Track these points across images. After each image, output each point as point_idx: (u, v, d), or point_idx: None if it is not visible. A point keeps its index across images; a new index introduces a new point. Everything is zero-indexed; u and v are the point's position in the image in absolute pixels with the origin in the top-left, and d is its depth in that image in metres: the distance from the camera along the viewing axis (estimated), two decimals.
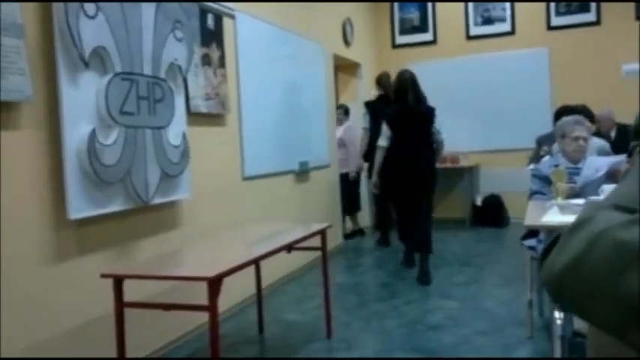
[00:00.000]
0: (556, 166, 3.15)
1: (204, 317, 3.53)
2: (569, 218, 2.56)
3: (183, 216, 3.52)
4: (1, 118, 2.36)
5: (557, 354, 2.34)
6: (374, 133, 5.33)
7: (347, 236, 6.44)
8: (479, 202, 7.07)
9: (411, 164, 4.55)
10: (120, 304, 2.33)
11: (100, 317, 2.81)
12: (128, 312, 2.56)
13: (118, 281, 2.33)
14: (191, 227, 3.58)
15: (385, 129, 4.63)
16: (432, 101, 5.31)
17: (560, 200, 2.92)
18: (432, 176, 4.62)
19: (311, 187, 5.46)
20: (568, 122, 3.22)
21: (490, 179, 7.32)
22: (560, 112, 4.25)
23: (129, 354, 2.68)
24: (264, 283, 4.13)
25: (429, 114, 4.56)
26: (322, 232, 3.29)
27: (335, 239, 5.91)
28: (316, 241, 3.37)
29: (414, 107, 4.53)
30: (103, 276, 2.32)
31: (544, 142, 4.54)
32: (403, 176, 4.58)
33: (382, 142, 4.67)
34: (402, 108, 4.56)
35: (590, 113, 4.46)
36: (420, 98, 4.58)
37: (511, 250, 5.52)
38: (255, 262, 2.63)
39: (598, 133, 4.88)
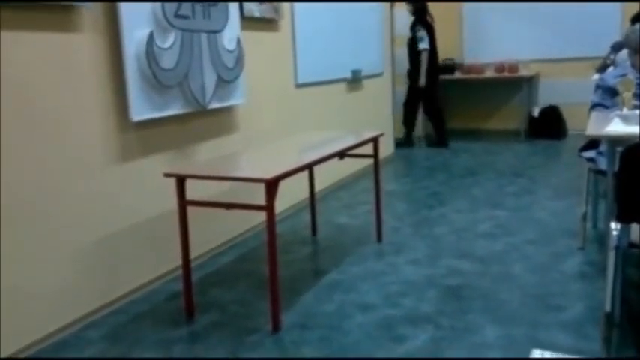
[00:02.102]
0: (623, 76, 2.95)
1: (260, 217, 3.67)
2: (634, 129, 2.43)
3: (239, 122, 3.57)
4: (63, 20, 2.38)
5: (611, 264, 2.32)
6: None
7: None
8: (536, 113, 6.81)
9: (437, 61, 6.41)
10: (183, 202, 2.43)
11: (162, 215, 2.96)
12: (191, 211, 2.67)
13: (181, 180, 2.42)
14: (247, 133, 3.63)
15: (423, 34, 6.19)
16: (491, 6, 6.02)
17: (625, 110, 2.76)
18: None
19: (364, 96, 5.39)
20: None
21: (550, 90, 6.99)
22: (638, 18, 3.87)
23: (192, 249, 2.83)
24: (317, 188, 4.21)
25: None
26: (374, 140, 3.28)
27: (386, 148, 5.90)
28: (368, 149, 3.37)
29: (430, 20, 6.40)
30: (167, 175, 2.41)
31: (620, 49, 4.19)
32: (437, 70, 6.37)
33: (424, 45, 6.19)
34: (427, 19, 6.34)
35: None
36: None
37: (567, 163, 5.36)
38: (309, 167, 2.66)
39: None
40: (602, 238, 3.27)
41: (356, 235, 3.61)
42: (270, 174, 2.24)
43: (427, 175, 5.19)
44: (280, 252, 3.31)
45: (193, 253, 3.13)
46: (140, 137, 2.81)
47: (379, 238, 3.46)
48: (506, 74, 6.88)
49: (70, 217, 2.47)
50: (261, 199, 2.32)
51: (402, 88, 6.69)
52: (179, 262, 2.94)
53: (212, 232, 3.36)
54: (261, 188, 2.29)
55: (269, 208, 2.22)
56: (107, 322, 2.54)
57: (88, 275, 2.56)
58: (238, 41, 3.32)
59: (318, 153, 2.74)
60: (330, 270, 3.04)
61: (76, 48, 2.46)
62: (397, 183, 4.97)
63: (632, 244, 2.20)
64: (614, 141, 2.40)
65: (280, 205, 3.92)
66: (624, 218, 2.08)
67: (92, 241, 2.57)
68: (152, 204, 2.90)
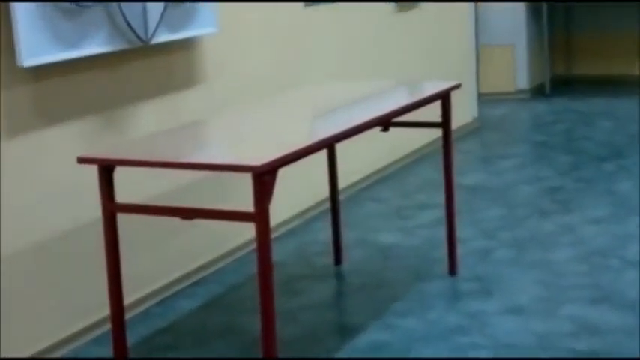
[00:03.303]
0: None
1: (246, 233, 3.67)
2: None
3: (206, 66, 3.57)
4: None
5: None
6: None
7: None
8: None
9: None
10: (110, 207, 2.44)
11: (78, 228, 2.97)
12: (125, 222, 2.67)
13: (106, 170, 2.42)
14: (220, 85, 3.64)
15: None
16: None
17: None
18: None
19: (422, 20, 5.37)
20: None
21: None
22: None
23: (127, 289, 2.83)
24: (344, 182, 4.19)
25: None
26: (443, 97, 3.24)
27: (465, 110, 5.87)
28: (432, 113, 3.35)
29: None
30: (83, 161, 2.41)
31: None
32: None
33: None
34: None
35: None
36: None
37: None
38: (329, 145, 2.65)
39: None
40: None
41: (411, 263, 3.60)
42: (260, 158, 2.22)
43: (539, 158, 5.16)
44: (281, 293, 3.30)
45: (131, 295, 3.14)
46: (38, 94, 2.82)
47: (452, 269, 3.44)
48: None
49: None
50: (246, 203, 2.31)
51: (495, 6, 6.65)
52: (107, 310, 2.95)
53: (163, 260, 3.37)
54: (246, 183, 2.29)
55: (260, 216, 2.22)
56: None
57: None
58: None
59: (344, 120, 2.72)
60: (368, 325, 3.02)
61: None
62: (484, 171, 4.94)
63: None
64: None
65: (280, 211, 3.91)
66: None
67: None
68: (60, 209, 2.90)
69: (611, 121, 5.99)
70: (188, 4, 3.28)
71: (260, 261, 2.25)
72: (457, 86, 3.34)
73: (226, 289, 3.43)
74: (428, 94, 3.14)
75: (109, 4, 2.94)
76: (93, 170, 2.48)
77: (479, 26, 6.27)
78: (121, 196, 2.55)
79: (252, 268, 3.47)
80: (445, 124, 3.30)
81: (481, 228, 3.97)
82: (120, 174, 2.52)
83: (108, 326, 2.89)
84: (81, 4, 2.82)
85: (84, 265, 2.98)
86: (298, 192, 4.10)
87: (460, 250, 3.57)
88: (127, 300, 2.97)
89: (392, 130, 3.21)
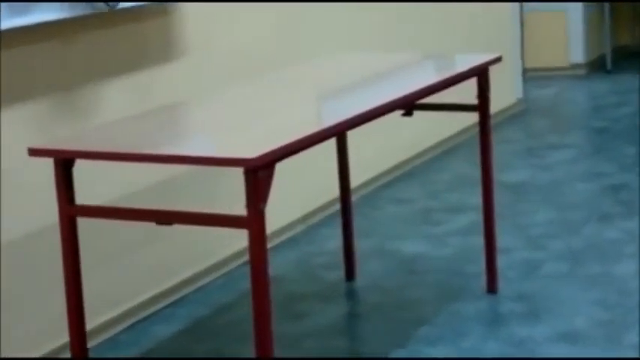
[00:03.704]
0: None
1: (237, 242, 3.69)
2: None
3: (187, 36, 3.58)
4: None
5: None
6: None
7: None
8: None
9: None
10: (68, 210, 2.43)
11: (29, 235, 2.98)
12: (88, 228, 2.67)
13: (64, 164, 2.42)
14: (204, 59, 3.65)
15: None
16: None
17: None
18: None
19: None
20: None
21: None
22: None
23: (90, 310, 2.84)
24: (357, 179, 4.20)
25: None
26: (480, 74, 3.25)
27: (507, 90, 5.88)
28: (467, 94, 3.35)
29: None
30: (34, 153, 2.41)
31: None
32: None
33: None
34: None
35: None
36: None
37: None
38: (339, 134, 2.64)
39: None
40: None
41: (441, 278, 3.61)
42: (255, 149, 2.23)
43: (598, 148, 5.17)
44: (280, 315, 3.32)
45: (95, 319, 3.15)
46: None
47: (491, 286, 3.44)
48: None
49: None
50: (236, 205, 2.31)
51: None
52: (66, 336, 2.96)
53: (134, 275, 3.37)
54: (237, 179, 2.29)
55: (254, 221, 2.22)
56: None
57: None
58: None
59: (357, 102, 2.73)
60: (387, 354, 3.02)
61: None
62: (530, 166, 4.95)
63: None
64: None
65: (279, 215, 3.92)
66: None
67: None
68: (8, 210, 2.91)
69: None
70: None
71: (254, 276, 2.26)
72: (497, 60, 3.34)
73: (213, 311, 3.44)
74: (461, 70, 3.14)
75: None
76: (48, 164, 2.49)
77: None
78: (83, 197, 2.55)
79: (245, 284, 3.49)
80: (482, 106, 3.30)
81: (527, 235, 3.98)
82: (81, 169, 2.52)
83: (66, 355, 2.90)
84: None
85: (40, 281, 2.99)
86: (301, 191, 4.10)
87: (501, 263, 3.58)
88: (90, 324, 2.98)
89: (417, 114, 3.22)
